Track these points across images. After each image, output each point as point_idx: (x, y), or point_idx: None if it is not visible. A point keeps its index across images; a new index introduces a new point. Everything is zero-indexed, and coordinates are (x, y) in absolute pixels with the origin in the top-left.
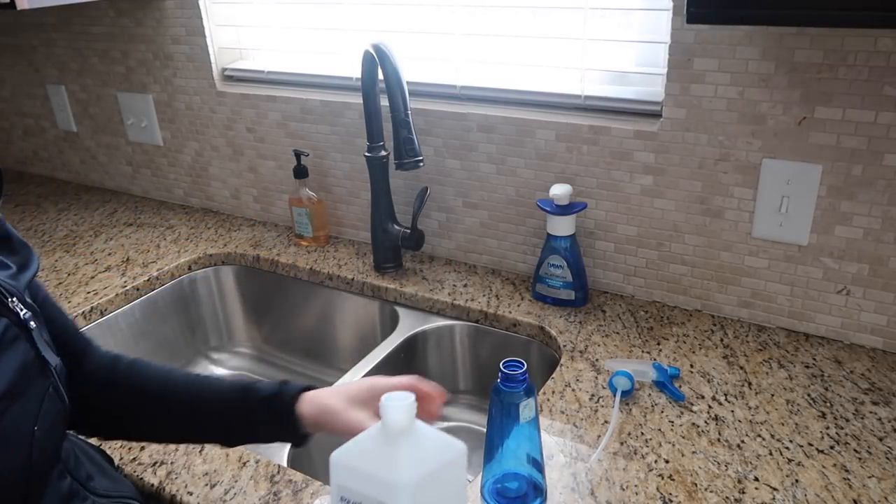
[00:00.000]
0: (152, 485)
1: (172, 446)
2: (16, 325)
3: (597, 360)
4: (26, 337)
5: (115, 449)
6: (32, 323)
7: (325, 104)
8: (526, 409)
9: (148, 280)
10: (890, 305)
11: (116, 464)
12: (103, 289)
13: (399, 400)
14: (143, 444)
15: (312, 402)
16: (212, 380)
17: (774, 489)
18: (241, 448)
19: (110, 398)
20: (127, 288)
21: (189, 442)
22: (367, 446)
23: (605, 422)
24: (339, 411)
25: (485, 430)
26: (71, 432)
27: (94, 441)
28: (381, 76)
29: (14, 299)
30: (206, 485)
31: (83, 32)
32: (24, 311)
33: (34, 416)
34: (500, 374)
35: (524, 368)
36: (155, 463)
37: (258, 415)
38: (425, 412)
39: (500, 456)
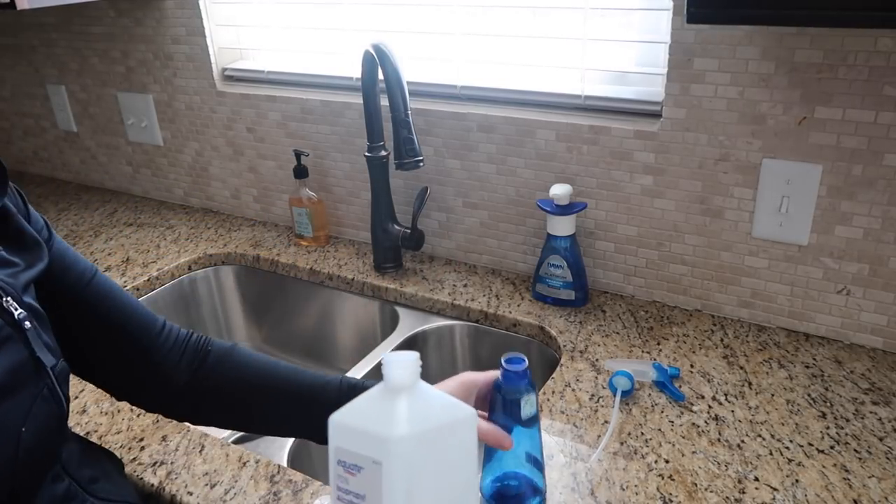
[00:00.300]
0: (152, 485)
1: (172, 446)
2: (9, 325)
3: (597, 360)
4: (20, 337)
5: (115, 449)
6: (27, 323)
7: (325, 104)
8: (527, 405)
9: (148, 280)
10: (890, 305)
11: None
12: None
13: (401, 356)
14: (143, 444)
15: None
16: (315, 374)
17: (774, 489)
18: (240, 448)
19: (207, 383)
20: (127, 288)
21: (282, 434)
22: (367, 406)
23: (605, 422)
24: None
25: None
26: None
27: (93, 439)
28: (381, 76)
29: (9, 298)
30: (206, 485)
31: (83, 32)
32: (20, 310)
33: (23, 417)
34: (501, 369)
35: (526, 364)
36: (155, 463)
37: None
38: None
39: (500, 455)
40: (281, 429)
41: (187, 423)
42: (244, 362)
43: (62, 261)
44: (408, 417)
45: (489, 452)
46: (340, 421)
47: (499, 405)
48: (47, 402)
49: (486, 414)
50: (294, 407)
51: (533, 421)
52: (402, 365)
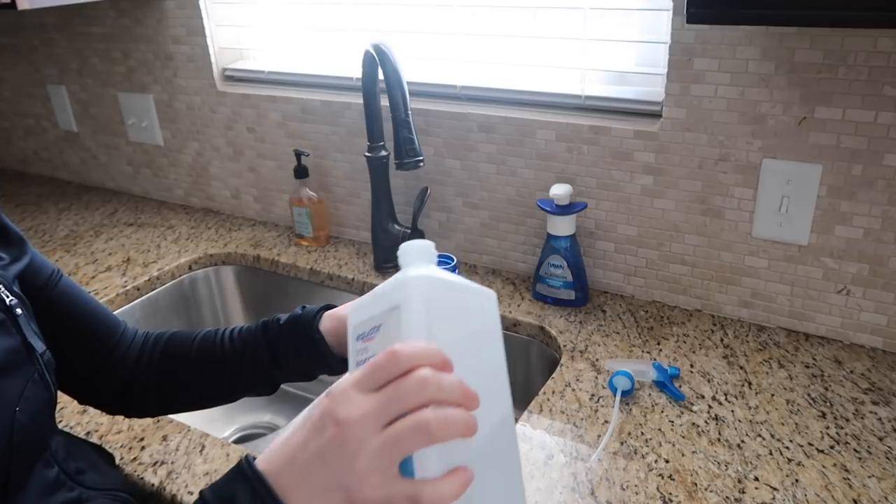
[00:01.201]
0: (152, 484)
1: (173, 445)
2: (1, 311)
3: (597, 359)
4: (12, 322)
5: (115, 449)
6: (19, 310)
7: (325, 104)
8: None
9: (148, 280)
10: (890, 305)
11: (118, 464)
12: (104, 289)
13: (415, 241)
14: (143, 444)
15: (332, 317)
16: (234, 329)
17: (774, 489)
18: (241, 448)
19: (148, 376)
20: (127, 288)
21: (235, 398)
22: (379, 290)
23: (606, 421)
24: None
25: None
26: (66, 428)
27: (93, 439)
28: (381, 76)
29: (1, 286)
30: (207, 484)
31: (84, 32)
32: (11, 297)
33: (17, 398)
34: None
35: (454, 262)
36: (155, 463)
37: (282, 344)
38: None
39: None
40: (225, 390)
41: (185, 423)
42: (176, 338)
43: (31, 264)
44: (423, 270)
45: None
46: (355, 306)
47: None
48: (38, 387)
49: None
50: (224, 366)
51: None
52: (415, 247)
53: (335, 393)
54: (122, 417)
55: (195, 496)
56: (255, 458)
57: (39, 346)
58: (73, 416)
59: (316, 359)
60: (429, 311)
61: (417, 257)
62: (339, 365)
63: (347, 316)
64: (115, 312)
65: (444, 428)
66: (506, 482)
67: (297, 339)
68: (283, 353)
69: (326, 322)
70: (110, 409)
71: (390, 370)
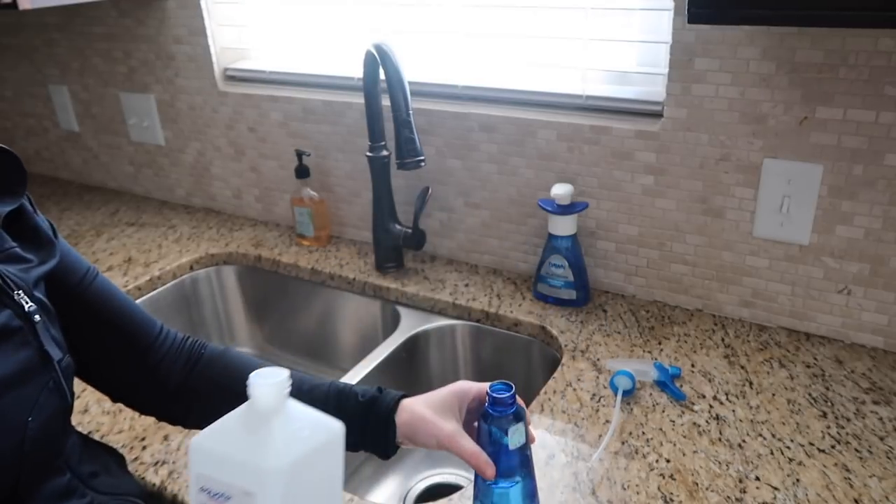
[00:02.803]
0: (154, 484)
1: (174, 445)
2: (18, 317)
3: (598, 359)
4: (30, 329)
5: (116, 448)
6: (37, 316)
7: (326, 104)
8: (515, 434)
9: (150, 280)
10: (891, 305)
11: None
12: None
13: (268, 377)
14: (144, 444)
15: (407, 410)
16: (304, 383)
17: (775, 489)
18: None
19: (191, 387)
20: (129, 288)
21: None
22: (233, 428)
23: (607, 421)
24: (429, 420)
25: None
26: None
27: (106, 440)
28: (382, 76)
29: (20, 292)
30: None
31: (85, 32)
32: (30, 304)
33: (30, 408)
34: (487, 397)
35: (513, 391)
36: (157, 462)
37: (353, 421)
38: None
39: (493, 495)
40: None
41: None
42: (234, 364)
43: (65, 262)
44: (280, 445)
45: (482, 489)
46: (203, 445)
47: (484, 434)
48: (53, 395)
49: (474, 426)
50: None
51: (522, 452)
52: (270, 387)
53: None
54: (123, 417)
55: None
56: None
57: (57, 353)
58: (74, 415)
59: (379, 445)
60: (283, 498)
61: (270, 400)
62: (392, 452)
63: (191, 447)
64: None
65: None
66: None
67: (369, 420)
68: (351, 429)
69: (403, 415)
70: (143, 409)
71: None
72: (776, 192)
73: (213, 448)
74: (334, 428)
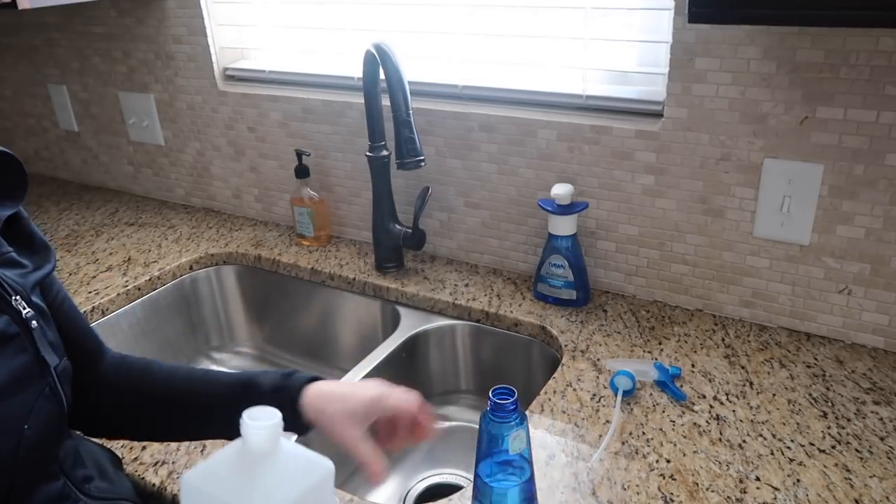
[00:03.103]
0: (153, 484)
1: (174, 446)
2: (16, 323)
3: (598, 359)
4: (26, 335)
5: (116, 449)
6: (34, 322)
7: (326, 104)
8: (515, 441)
9: (149, 280)
10: (891, 305)
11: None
12: (105, 288)
13: (262, 419)
14: (144, 443)
15: (317, 393)
16: (212, 378)
17: (776, 489)
18: None
19: (114, 400)
20: (128, 288)
21: (193, 440)
22: (226, 469)
23: (607, 421)
24: (336, 422)
25: None
26: (77, 432)
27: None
28: (382, 76)
29: (18, 297)
30: None
31: (85, 32)
32: (27, 310)
33: (26, 414)
34: (488, 402)
35: (514, 397)
36: (156, 463)
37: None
38: (420, 433)
39: (489, 495)
40: (189, 434)
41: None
42: (161, 374)
43: (51, 274)
44: (271, 489)
45: (482, 490)
46: (195, 484)
47: (484, 440)
48: (49, 401)
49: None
50: (192, 413)
51: (523, 459)
52: (263, 430)
53: None
54: None
55: None
56: None
57: (53, 359)
58: None
59: (290, 427)
60: None
61: (262, 443)
62: (307, 430)
63: (183, 483)
64: (115, 312)
65: None
66: None
67: (277, 408)
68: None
69: (310, 398)
70: (70, 424)
71: None
72: (777, 191)
73: (204, 488)
74: (325, 466)
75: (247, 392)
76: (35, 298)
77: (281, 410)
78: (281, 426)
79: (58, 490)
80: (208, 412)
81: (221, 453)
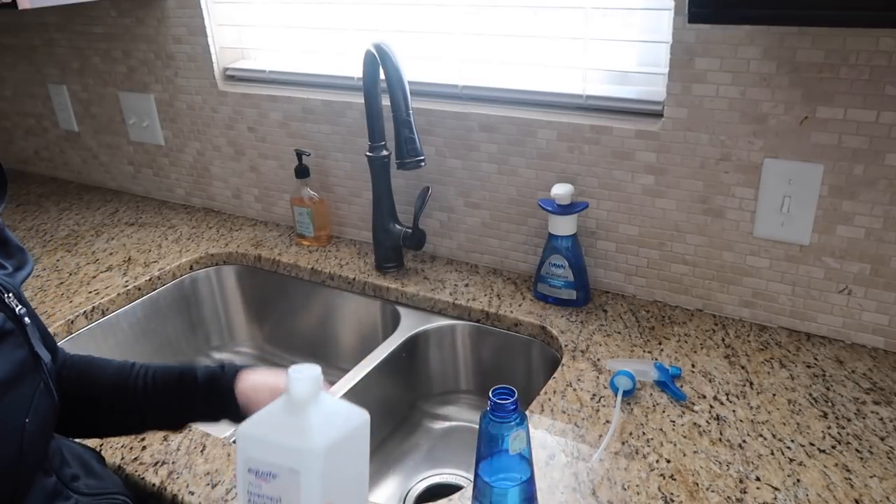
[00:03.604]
0: (153, 484)
1: (174, 445)
2: (11, 320)
3: (598, 359)
4: (20, 332)
5: (116, 448)
6: (27, 319)
7: (326, 104)
8: (515, 441)
9: (149, 280)
10: (891, 305)
11: (119, 464)
12: (105, 288)
13: (304, 371)
14: (144, 444)
15: (249, 382)
16: (150, 371)
17: (776, 489)
18: None
19: (62, 397)
20: (128, 287)
21: (139, 432)
22: (275, 417)
23: (607, 421)
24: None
25: None
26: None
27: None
28: (382, 76)
29: (10, 295)
30: (208, 485)
31: (85, 32)
32: (20, 307)
33: (26, 409)
34: (489, 403)
35: (514, 396)
36: (156, 463)
37: (196, 401)
38: None
39: (488, 495)
40: (131, 426)
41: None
42: (100, 367)
43: None
44: (318, 429)
45: (482, 490)
46: (250, 433)
47: (484, 440)
48: (45, 396)
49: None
50: (133, 406)
51: (522, 454)
52: (306, 380)
53: None
54: None
55: (196, 496)
56: None
57: (46, 354)
58: None
59: (225, 415)
60: (324, 483)
61: (306, 391)
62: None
63: (238, 434)
64: (115, 312)
65: None
66: None
67: (212, 398)
68: (194, 408)
69: (243, 386)
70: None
71: None
72: (777, 191)
73: (258, 434)
74: (362, 415)
75: (182, 382)
76: (24, 298)
77: (215, 400)
78: (321, 378)
79: (52, 486)
80: (147, 403)
81: (270, 406)
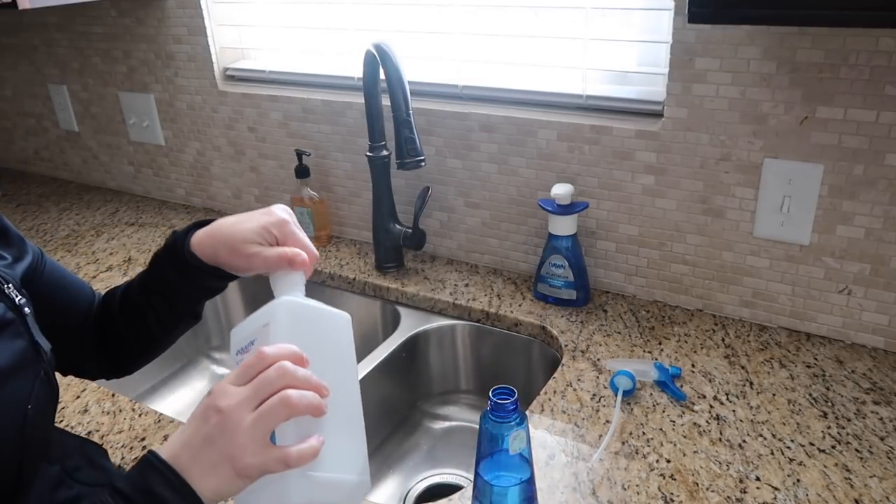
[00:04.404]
0: None
1: None
2: (11, 310)
3: (598, 359)
4: (21, 321)
5: (116, 448)
6: (27, 309)
7: (326, 104)
8: (515, 440)
9: None
10: (891, 305)
11: (119, 464)
12: (105, 288)
13: (287, 272)
14: (144, 443)
15: (203, 231)
16: (133, 284)
17: (776, 489)
18: None
19: (110, 330)
20: None
21: (170, 336)
22: (255, 314)
23: (607, 421)
24: (232, 250)
25: None
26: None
27: (94, 438)
28: (382, 76)
29: (10, 286)
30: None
31: (85, 32)
32: (20, 297)
33: (28, 396)
34: (489, 403)
35: (514, 396)
36: None
37: (165, 272)
38: (298, 265)
39: (488, 495)
40: (177, 317)
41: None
42: (111, 294)
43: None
44: (292, 296)
45: (482, 489)
46: (236, 329)
47: (484, 440)
48: (45, 385)
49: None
50: (162, 299)
51: (523, 459)
52: (286, 274)
53: (216, 390)
54: (123, 417)
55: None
56: (156, 452)
57: (46, 344)
58: (73, 415)
59: (192, 276)
60: (292, 326)
61: (288, 285)
62: (213, 280)
63: (231, 337)
64: None
65: (302, 400)
66: (351, 447)
67: (174, 261)
68: (176, 284)
69: (199, 238)
70: (95, 375)
71: (258, 366)
72: (777, 191)
73: (241, 325)
74: (342, 312)
75: (151, 262)
76: (23, 288)
77: (176, 259)
78: (303, 278)
79: (55, 475)
80: (147, 300)
81: (253, 314)
